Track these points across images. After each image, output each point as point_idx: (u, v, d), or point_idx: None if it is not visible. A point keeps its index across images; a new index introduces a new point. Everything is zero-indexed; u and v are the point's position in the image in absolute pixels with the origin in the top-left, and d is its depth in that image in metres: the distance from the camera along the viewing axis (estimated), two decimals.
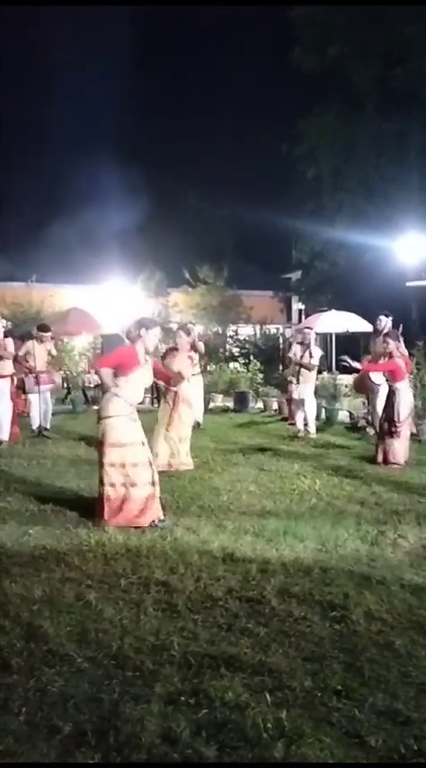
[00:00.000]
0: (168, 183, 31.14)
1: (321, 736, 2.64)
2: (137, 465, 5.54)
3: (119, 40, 33.57)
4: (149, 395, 17.19)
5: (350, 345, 12.17)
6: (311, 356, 10.82)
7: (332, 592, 4.08)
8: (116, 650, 3.37)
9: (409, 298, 22.13)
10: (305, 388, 10.79)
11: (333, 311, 19.06)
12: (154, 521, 5.48)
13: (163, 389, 8.10)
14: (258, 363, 16.86)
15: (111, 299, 22.80)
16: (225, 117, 35.42)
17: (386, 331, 9.40)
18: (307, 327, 12.09)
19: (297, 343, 11.27)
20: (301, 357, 10.86)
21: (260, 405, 15.08)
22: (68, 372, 16.89)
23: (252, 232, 29.94)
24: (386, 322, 9.91)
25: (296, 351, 11.10)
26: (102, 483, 5.55)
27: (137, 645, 3.42)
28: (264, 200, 28.66)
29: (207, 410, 12.57)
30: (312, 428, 10.73)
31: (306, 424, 10.72)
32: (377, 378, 9.41)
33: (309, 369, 10.79)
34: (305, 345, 10.95)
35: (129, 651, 3.35)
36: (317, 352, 11.05)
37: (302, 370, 10.82)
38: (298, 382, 10.86)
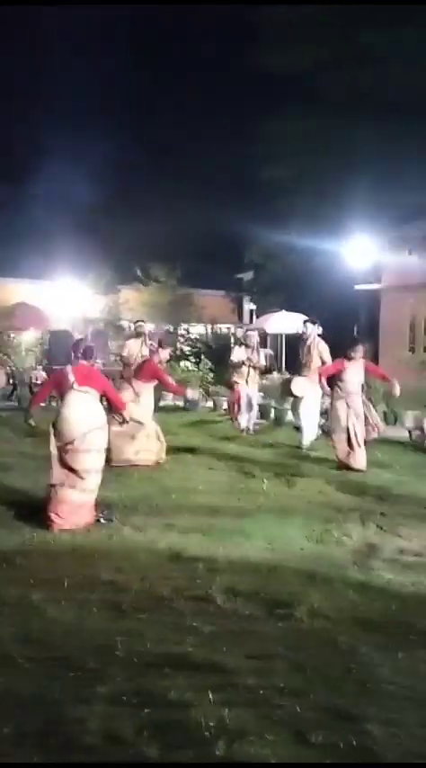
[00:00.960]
0: (121, 180, 30.98)
1: (263, 733, 2.66)
2: (89, 471, 5.51)
3: (76, 35, 33.21)
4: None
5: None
6: (257, 358, 11.01)
7: (278, 590, 4.12)
8: (60, 650, 3.32)
9: (357, 301, 22.52)
10: (251, 387, 10.93)
11: (284, 312, 19.23)
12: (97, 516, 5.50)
13: None
14: (209, 362, 16.88)
15: (60, 295, 22.52)
16: (181, 114, 35.40)
17: (310, 337, 9.56)
18: (250, 330, 12.31)
19: (239, 345, 11.38)
20: (247, 359, 10.99)
21: (210, 404, 15.10)
22: (14, 368, 16.60)
23: (205, 231, 29.99)
24: (311, 329, 9.77)
25: (239, 354, 11.18)
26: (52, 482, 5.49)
27: (81, 645, 3.38)
28: (219, 199, 28.80)
29: (157, 408, 12.50)
30: (252, 426, 10.96)
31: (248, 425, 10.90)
32: (302, 389, 9.46)
33: (262, 369, 11.01)
34: (250, 348, 11.08)
35: (73, 651, 3.31)
36: (263, 353, 11.23)
37: (249, 370, 10.94)
38: (247, 383, 10.98)
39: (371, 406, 8.63)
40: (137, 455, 7.94)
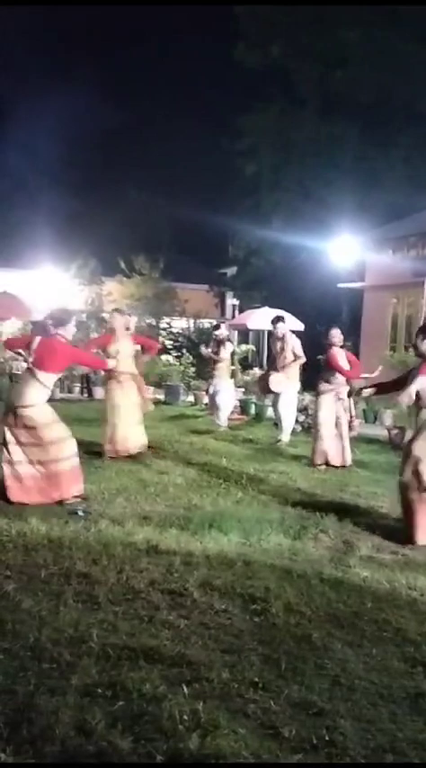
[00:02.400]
0: (107, 172, 30.80)
1: (236, 728, 2.67)
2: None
3: (58, 31, 32.91)
4: (79, 385, 17.02)
5: None
6: (221, 351, 11.08)
7: (254, 585, 4.13)
8: (33, 642, 3.31)
9: (340, 299, 22.60)
10: (219, 382, 10.98)
11: (267, 308, 19.24)
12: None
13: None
14: (190, 357, 16.87)
15: (43, 286, 22.34)
16: (166, 108, 35.24)
17: (282, 334, 9.64)
18: (221, 322, 12.38)
19: (213, 339, 11.45)
20: (213, 352, 11.05)
21: (191, 398, 15.11)
22: None
23: (190, 225, 29.91)
24: (281, 326, 9.78)
25: (211, 346, 11.26)
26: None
27: (54, 636, 3.37)
28: (203, 193, 28.74)
29: None
30: (223, 420, 11.02)
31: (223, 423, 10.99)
32: (279, 385, 9.50)
33: (220, 361, 11.05)
34: (217, 342, 11.12)
35: (47, 643, 3.30)
36: (228, 347, 11.29)
37: (216, 364, 11.05)
38: (214, 377, 11.07)
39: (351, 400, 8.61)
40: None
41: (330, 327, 8.40)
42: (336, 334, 8.23)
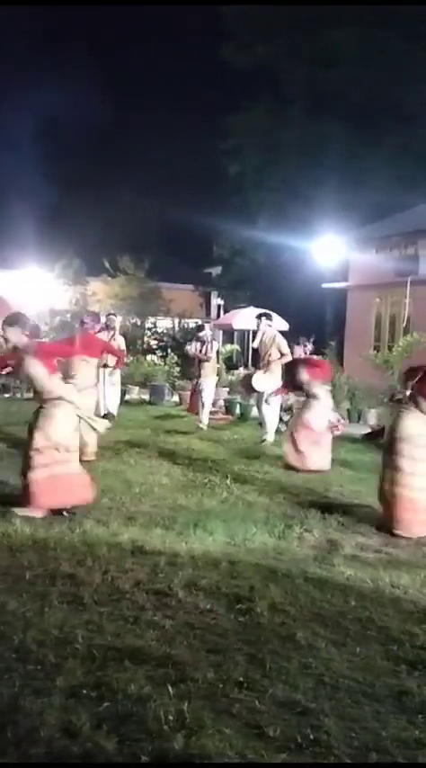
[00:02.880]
0: (92, 172, 30.68)
1: (221, 727, 2.68)
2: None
3: (45, 27, 32.74)
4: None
5: None
6: (209, 350, 11.13)
7: (239, 585, 4.14)
8: (18, 643, 3.30)
9: (324, 299, 22.69)
10: (204, 381, 11.00)
11: (252, 308, 19.28)
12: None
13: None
14: (175, 357, 16.86)
15: (27, 285, 22.22)
16: (152, 107, 35.11)
17: (265, 332, 9.83)
18: (206, 322, 12.46)
19: (197, 340, 11.46)
20: (200, 351, 11.08)
21: (176, 398, 15.10)
22: None
23: (175, 225, 29.90)
24: (265, 324, 9.95)
25: (195, 345, 11.28)
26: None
27: (40, 638, 3.36)
28: (189, 193, 28.71)
29: (122, 402, 12.49)
30: (205, 419, 11.01)
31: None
32: (262, 384, 9.57)
33: (207, 361, 11.06)
34: (202, 341, 11.15)
35: (32, 644, 3.29)
36: (214, 347, 11.35)
37: (203, 364, 11.05)
38: (199, 376, 11.07)
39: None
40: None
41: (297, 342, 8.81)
42: (297, 351, 8.69)
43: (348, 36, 22.87)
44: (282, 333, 10.58)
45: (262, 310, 14.72)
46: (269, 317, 10.11)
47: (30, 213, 24.73)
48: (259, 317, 10.09)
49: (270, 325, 10.01)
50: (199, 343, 11.31)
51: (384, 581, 4.32)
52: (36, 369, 5.53)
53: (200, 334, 11.45)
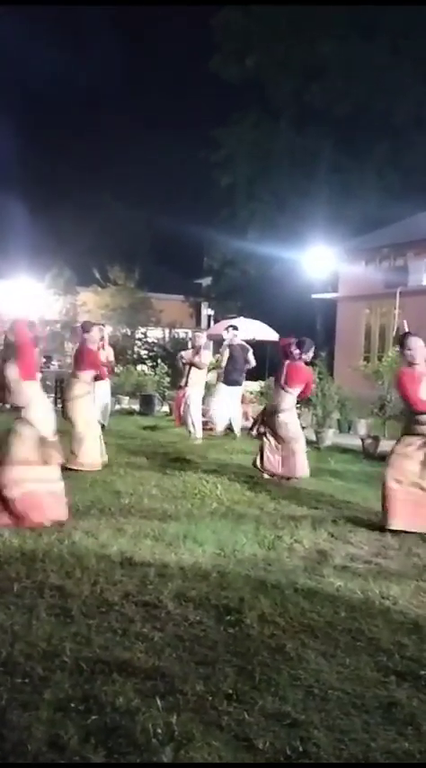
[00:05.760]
0: (83, 182, 30.73)
1: (210, 740, 2.66)
2: None
3: (34, 38, 32.85)
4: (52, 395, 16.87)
5: (256, 352, 12.42)
6: (203, 358, 11.09)
7: (229, 596, 4.13)
8: (5, 656, 3.27)
9: (314, 309, 22.79)
10: (193, 390, 10.94)
11: (242, 318, 19.34)
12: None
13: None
14: (165, 367, 16.85)
15: (17, 295, 22.20)
16: (143, 119, 35.33)
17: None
18: (198, 331, 12.65)
19: (190, 347, 11.51)
20: (190, 359, 11.08)
21: (165, 408, 15.08)
22: None
23: (165, 235, 30.00)
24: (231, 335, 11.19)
25: (187, 353, 11.28)
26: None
27: (27, 651, 3.33)
28: (179, 204, 28.82)
29: (112, 412, 12.46)
30: (198, 431, 10.90)
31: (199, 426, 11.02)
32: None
33: (199, 367, 10.97)
34: (195, 349, 11.13)
35: (19, 657, 3.27)
36: (206, 355, 11.29)
37: (192, 372, 10.94)
38: (187, 384, 10.97)
39: None
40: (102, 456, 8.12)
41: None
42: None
43: (335, 49, 23.12)
44: (272, 343, 10.68)
45: (253, 321, 14.80)
46: (235, 327, 11.23)
47: (20, 223, 24.74)
48: (227, 328, 10.71)
49: (236, 335, 11.20)
50: (192, 350, 11.26)
51: (374, 592, 4.31)
52: (11, 371, 5.51)
53: (194, 336, 11.51)
